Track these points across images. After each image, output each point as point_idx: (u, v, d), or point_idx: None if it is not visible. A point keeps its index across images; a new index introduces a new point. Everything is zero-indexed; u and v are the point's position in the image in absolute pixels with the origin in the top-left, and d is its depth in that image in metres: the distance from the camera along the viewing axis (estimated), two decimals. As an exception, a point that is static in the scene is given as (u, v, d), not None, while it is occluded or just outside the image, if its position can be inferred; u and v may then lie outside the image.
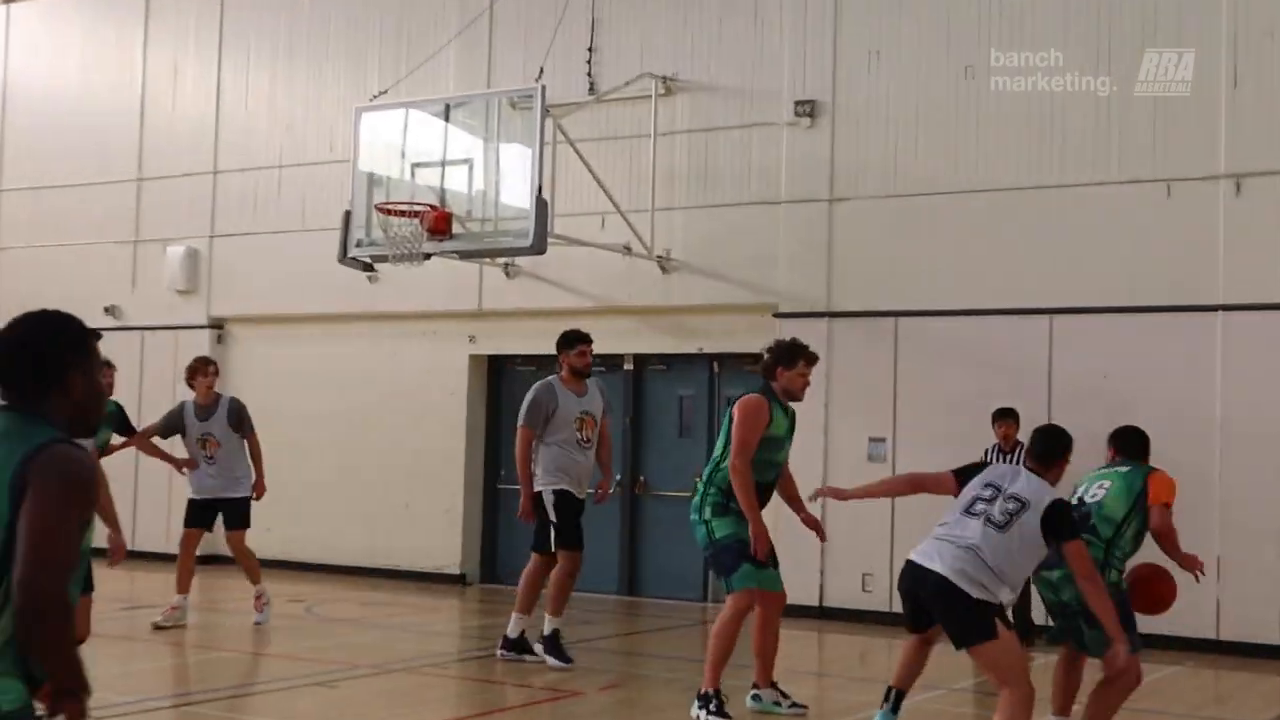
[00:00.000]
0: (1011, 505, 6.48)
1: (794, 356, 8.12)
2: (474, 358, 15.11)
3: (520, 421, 9.84)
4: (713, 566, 7.97)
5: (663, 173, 13.73)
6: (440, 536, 14.99)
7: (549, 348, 14.72)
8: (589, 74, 14.29)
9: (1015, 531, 6.40)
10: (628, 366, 14.48)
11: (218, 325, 16.63)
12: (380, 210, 12.96)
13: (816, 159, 13.21)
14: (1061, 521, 6.48)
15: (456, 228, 12.98)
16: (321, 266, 14.84)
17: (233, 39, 16.78)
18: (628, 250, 13.59)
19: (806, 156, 13.25)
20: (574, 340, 10.10)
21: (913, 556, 6.52)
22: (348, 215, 13.54)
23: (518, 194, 12.74)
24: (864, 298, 12.98)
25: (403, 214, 12.86)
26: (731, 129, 13.64)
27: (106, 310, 17.07)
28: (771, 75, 13.47)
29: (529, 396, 9.92)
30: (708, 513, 7.87)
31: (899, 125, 12.92)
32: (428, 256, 12.98)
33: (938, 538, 6.51)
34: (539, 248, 12.43)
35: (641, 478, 14.26)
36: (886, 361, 12.82)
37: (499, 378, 15.27)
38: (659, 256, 13.70)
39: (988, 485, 6.60)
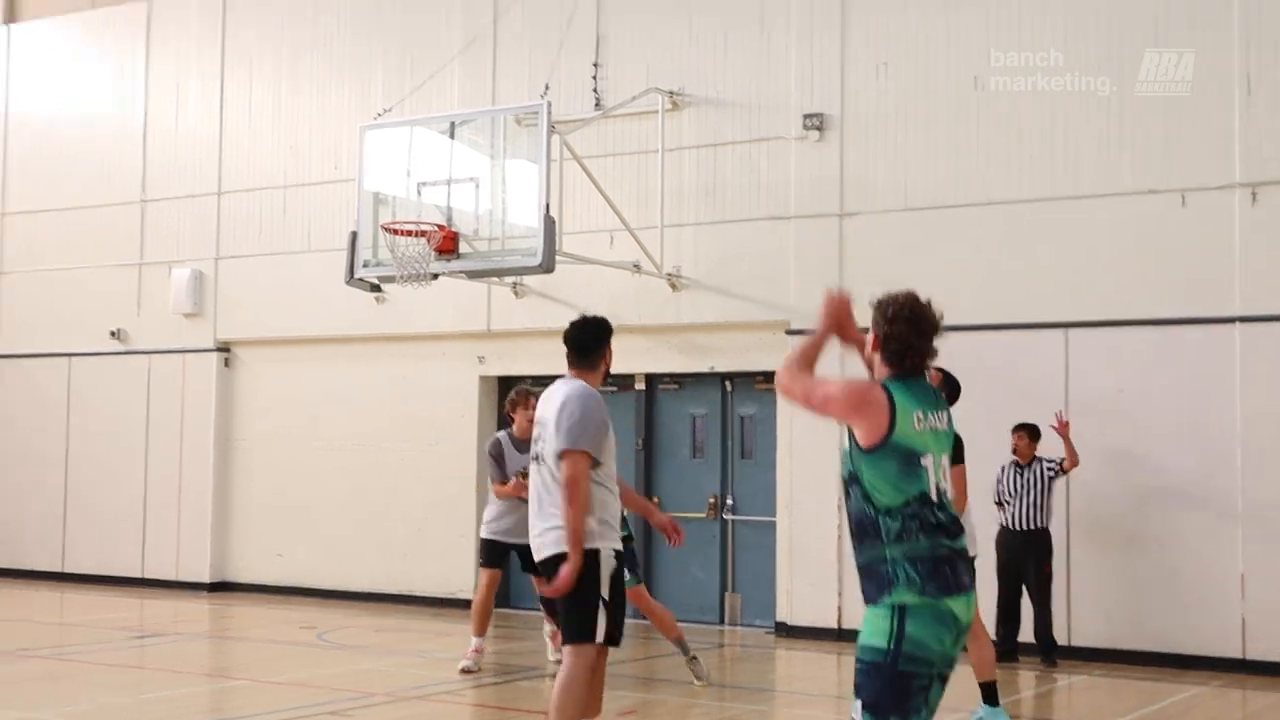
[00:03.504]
0: None
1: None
2: (484, 379, 15.19)
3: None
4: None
5: (671, 189, 13.81)
6: (454, 561, 15.03)
7: (559, 367, 14.78)
8: (595, 90, 14.36)
9: None
10: (639, 386, 14.55)
11: (225, 349, 16.71)
12: (387, 230, 13.04)
13: (825, 173, 13.26)
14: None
15: (464, 247, 13.08)
16: (329, 288, 14.97)
17: (235, 57, 16.90)
18: (637, 268, 13.67)
19: (815, 171, 13.31)
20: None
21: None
22: (354, 236, 13.64)
23: (525, 212, 12.81)
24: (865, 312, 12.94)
25: (409, 234, 12.94)
26: (739, 143, 13.70)
27: (112, 334, 17.20)
28: (779, 88, 13.53)
29: None
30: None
31: (908, 137, 12.96)
32: (435, 276, 13.07)
33: None
34: (547, 266, 12.50)
35: (655, 498, 14.31)
36: (902, 377, 12.78)
37: (509, 398, 15.34)
38: (669, 274, 13.78)
39: None
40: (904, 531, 4.56)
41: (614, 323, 13.90)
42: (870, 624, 4.54)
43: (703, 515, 14.12)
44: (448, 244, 12.95)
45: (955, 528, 4.64)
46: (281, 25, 16.62)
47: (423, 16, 15.60)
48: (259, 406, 16.39)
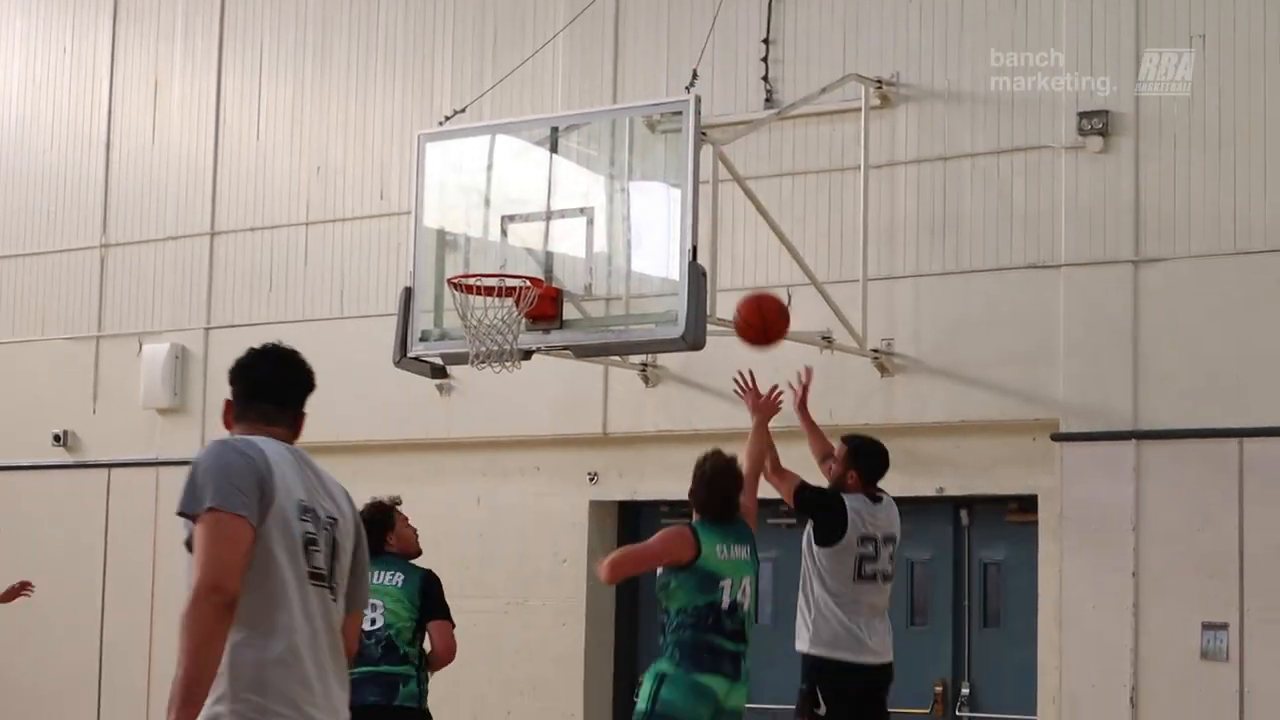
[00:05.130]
0: (891, 549, 11.25)
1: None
2: (597, 505, 15.04)
3: None
4: None
5: (879, 224, 13.63)
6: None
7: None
8: (765, 78, 14.28)
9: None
10: (830, 516, 14.27)
11: (217, 459, 16.64)
12: (456, 286, 12.97)
13: (1112, 199, 13.03)
14: None
15: (569, 311, 13.02)
16: (369, 371, 14.87)
17: (238, 40, 17.09)
18: (828, 341, 13.45)
19: (1097, 195, 13.09)
20: None
21: (866, 658, 10.83)
22: (407, 294, 13.59)
23: (660, 259, 12.79)
24: (1190, 409, 12.70)
25: (489, 292, 12.85)
26: (981, 155, 13.51)
27: (56, 439, 17.35)
28: (1041, 74, 13.33)
29: None
30: None
31: (1239, 145, 12.69)
32: (527, 355, 12.97)
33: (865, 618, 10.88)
34: (694, 339, 12.30)
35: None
36: (1227, 506, 12.47)
37: (635, 535, 15.09)
38: (875, 350, 13.55)
39: (864, 540, 10.91)
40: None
41: (794, 424, 13.75)
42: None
43: (925, 711, 13.88)
44: (545, 306, 12.87)
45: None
46: (303, -5, 16.82)
47: (509, -23, 15.68)
48: (266, 545, 16.27)
